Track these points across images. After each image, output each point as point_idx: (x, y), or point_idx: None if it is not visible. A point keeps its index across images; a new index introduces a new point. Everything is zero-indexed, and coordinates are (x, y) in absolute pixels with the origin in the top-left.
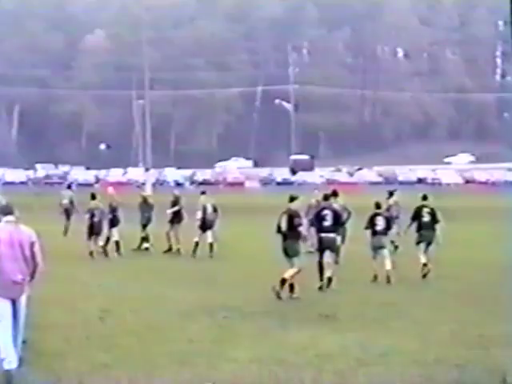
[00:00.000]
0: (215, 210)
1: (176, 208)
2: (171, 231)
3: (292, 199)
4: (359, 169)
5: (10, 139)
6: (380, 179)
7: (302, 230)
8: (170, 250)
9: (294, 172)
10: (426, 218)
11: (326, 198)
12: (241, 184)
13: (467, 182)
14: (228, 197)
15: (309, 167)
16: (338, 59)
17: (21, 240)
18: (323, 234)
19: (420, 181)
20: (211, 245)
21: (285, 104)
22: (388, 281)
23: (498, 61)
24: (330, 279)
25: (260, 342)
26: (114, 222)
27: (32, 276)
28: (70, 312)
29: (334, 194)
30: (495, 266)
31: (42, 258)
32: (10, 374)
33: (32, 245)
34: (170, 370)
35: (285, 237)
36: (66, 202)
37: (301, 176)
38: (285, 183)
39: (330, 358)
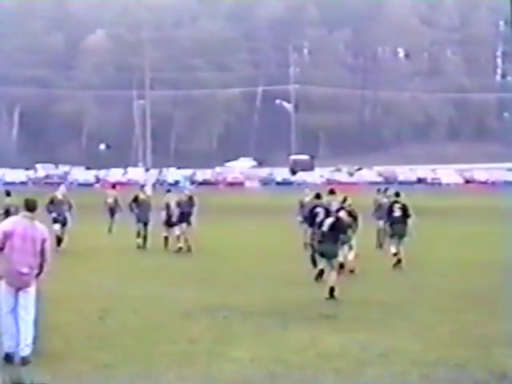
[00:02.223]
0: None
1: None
2: (181, 231)
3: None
4: (359, 169)
5: (10, 139)
6: (380, 179)
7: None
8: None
9: (293, 172)
10: (398, 213)
11: (317, 196)
12: (241, 184)
13: (467, 181)
14: (228, 197)
15: (309, 167)
16: (339, 59)
17: (34, 235)
18: (317, 230)
19: (420, 181)
20: (178, 237)
21: (285, 104)
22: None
23: (499, 61)
24: (321, 271)
25: (260, 341)
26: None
27: (40, 270)
28: (70, 312)
29: (332, 192)
30: (495, 266)
31: (50, 254)
32: (9, 356)
33: (43, 241)
34: (171, 369)
35: (323, 238)
36: (110, 200)
37: (300, 176)
38: (284, 183)
39: (330, 358)
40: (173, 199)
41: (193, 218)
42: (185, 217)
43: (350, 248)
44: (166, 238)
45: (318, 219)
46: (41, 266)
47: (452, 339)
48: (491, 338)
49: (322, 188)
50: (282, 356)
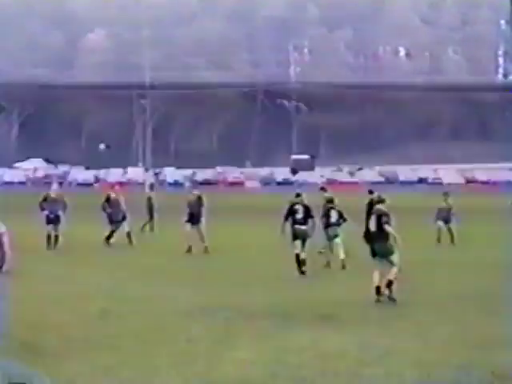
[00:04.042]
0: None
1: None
2: (192, 231)
3: (379, 202)
4: (360, 168)
5: (9, 139)
6: (381, 179)
7: (390, 228)
8: (190, 250)
9: (294, 172)
10: None
11: (297, 195)
12: (241, 184)
13: (468, 181)
14: (228, 197)
15: (309, 167)
16: (339, 58)
17: None
18: (296, 226)
19: (421, 180)
20: (128, 233)
21: (286, 103)
22: (343, 267)
23: (500, 60)
24: (303, 261)
25: (260, 342)
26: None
27: (2, 263)
28: (70, 312)
29: (322, 189)
30: (496, 266)
31: (9, 247)
32: None
33: (1, 236)
34: (171, 370)
35: (373, 238)
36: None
37: (301, 176)
38: (285, 183)
39: (330, 359)
40: (120, 196)
41: (202, 218)
42: (194, 217)
43: (339, 244)
44: (112, 233)
45: (298, 216)
46: (2, 259)
47: (453, 340)
48: (492, 338)
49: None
50: (282, 356)
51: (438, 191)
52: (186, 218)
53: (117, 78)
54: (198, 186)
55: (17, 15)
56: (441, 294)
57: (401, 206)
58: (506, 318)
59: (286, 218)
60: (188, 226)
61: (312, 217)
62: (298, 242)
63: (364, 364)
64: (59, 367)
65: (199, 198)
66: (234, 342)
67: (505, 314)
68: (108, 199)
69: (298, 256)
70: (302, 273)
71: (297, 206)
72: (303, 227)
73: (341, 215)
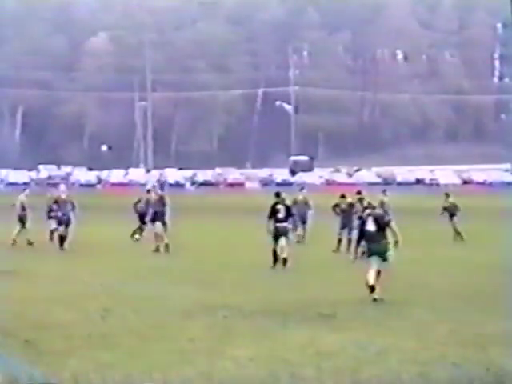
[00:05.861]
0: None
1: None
2: (157, 230)
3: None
4: (358, 169)
5: (13, 140)
6: (378, 180)
7: (393, 225)
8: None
9: (293, 173)
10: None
11: (277, 195)
12: (241, 185)
13: (465, 182)
14: (228, 197)
15: (308, 168)
16: (338, 61)
17: None
18: (278, 224)
19: (418, 181)
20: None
21: (285, 106)
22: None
23: (496, 63)
24: (285, 260)
25: (260, 341)
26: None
27: None
28: (72, 311)
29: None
30: (493, 266)
31: None
32: None
33: None
34: (171, 368)
35: (370, 238)
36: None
37: (300, 177)
38: (284, 184)
39: (329, 357)
40: (21, 199)
41: (166, 218)
42: (158, 216)
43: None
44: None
45: (280, 215)
46: None
47: (450, 338)
48: (488, 336)
49: (321, 188)
50: (281, 355)
51: (434, 192)
52: (149, 218)
53: (119, 81)
54: (163, 187)
55: (20, 18)
56: (438, 293)
57: (398, 207)
58: (501, 315)
59: (270, 217)
60: (150, 225)
61: (293, 215)
62: (282, 239)
63: (362, 362)
64: (61, 365)
65: (161, 198)
66: (234, 340)
67: (501, 312)
68: (139, 201)
69: (274, 251)
70: (274, 266)
71: (278, 206)
72: (284, 225)
73: (291, 214)
